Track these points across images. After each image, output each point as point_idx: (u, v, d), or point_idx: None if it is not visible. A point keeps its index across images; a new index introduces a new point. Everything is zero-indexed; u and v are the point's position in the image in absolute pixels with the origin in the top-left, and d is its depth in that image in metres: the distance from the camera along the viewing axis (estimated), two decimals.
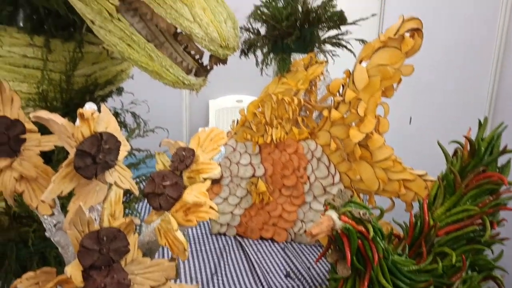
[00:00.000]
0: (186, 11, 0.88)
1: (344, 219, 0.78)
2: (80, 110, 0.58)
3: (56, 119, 0.60)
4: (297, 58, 1.21)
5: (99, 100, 1.18)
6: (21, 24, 1.05)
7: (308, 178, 1.24)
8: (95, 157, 0.59)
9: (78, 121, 0.60)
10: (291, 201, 1.13)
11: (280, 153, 1.14)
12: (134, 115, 1.24)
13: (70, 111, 1.09)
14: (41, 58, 1.03)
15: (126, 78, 1.24)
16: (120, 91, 1.27)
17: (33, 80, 1.04)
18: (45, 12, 1.00)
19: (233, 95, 3.09)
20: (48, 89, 1.03)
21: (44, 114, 0.60)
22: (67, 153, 0.70)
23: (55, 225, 0.68)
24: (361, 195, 1.33)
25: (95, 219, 0.64)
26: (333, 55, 1.22)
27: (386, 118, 1.22)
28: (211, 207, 0.65)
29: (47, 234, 0.69)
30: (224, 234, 1.18)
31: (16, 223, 0.90)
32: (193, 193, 0.66)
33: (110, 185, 0.64)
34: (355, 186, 1.29)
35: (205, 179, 0.69)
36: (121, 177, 0.65)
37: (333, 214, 0.79)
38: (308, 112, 1.22)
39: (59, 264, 0.87)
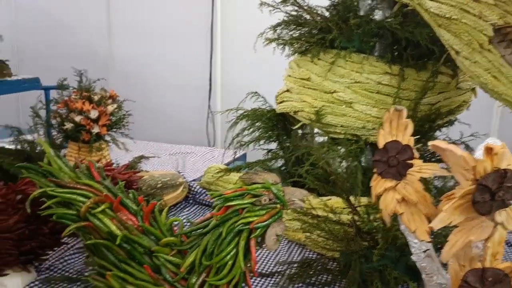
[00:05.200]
0: None
1: None
2: (488, 144, 0.58)
3: (455, 150, 0.61)
4: None
5: (435, 130, 1.18)
6: (377, 54, 1.14)
7: None
8: (494, 193, 0.58)
9: (480, 155, 0.59)
10: None
11: None
12: (467, 147, 1.18)
13: None
14: (394, 85, 1.09)
15: (465, 109, 1.20)
16: (452, 122, 1.24)
17: (382, 106, 1.10)
18: (406, 42, 1.06)
19: None
20: None
21: (442, 144, 0.62)
22: None
23: (424, 251, 0.70)
24: None
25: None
26: None
27: None
28: None
29: (413, 257, 0.71)
30: None
31: (359, 237, 0.97)
32: None
33: (495, 224, 0.62)
34: None
35: None
36: (509, 218, 0.61)
37: None
38: None
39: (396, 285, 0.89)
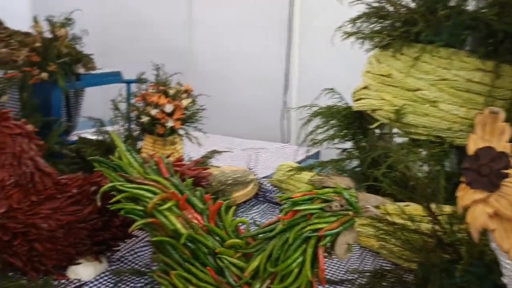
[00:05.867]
0: None
1: None
2: None
3: None
4: None
5: None
6: (468, 48, 1.03)
7: None
8: None
9: None
10: None
11: None
12: None
13: None
14: (486, 83, 0.98)
15: None
16: None
17: (472, 105, 1.00)
18: (502, 35, 0.95)
19: None
20: None
21: None
22: None
23: None
24: None
25: None
26: None
27: None
28: None
29: (504, 280, 0.63)
30: None
31: (440, 249, 0.89)
32: None
33: None
34: None
35: None
36: None
37: None
38: None
39: None
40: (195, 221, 0.72)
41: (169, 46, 3.11)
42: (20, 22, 1.91)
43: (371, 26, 1.14)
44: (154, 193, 0.74)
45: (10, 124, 0.95)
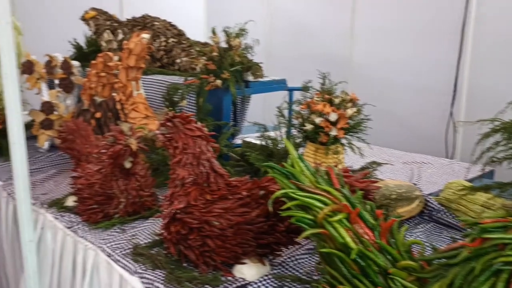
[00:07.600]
0: None
1: None
2: None
3: None
4: None
5: None
6: None
7: None
8: None
9: None
10: None
11: None
12: None
13: None
14: None
15: None
16: None
17: None
18: None
19: None
20: None
21: None
22: None
23: None
24: None
25: None
26: None
27: None
28: None
29: None
30: None
31: None
32: None
33: None
34: None
35: None
36: None
37: None
38: None
39: None
40: (366, 237, 0.70)
41: (330, 54, 3.12)
42: (197, 31, 2.06)
43: None
44: (325, 204, 0.73)
45: (192, 127, 1.03)
